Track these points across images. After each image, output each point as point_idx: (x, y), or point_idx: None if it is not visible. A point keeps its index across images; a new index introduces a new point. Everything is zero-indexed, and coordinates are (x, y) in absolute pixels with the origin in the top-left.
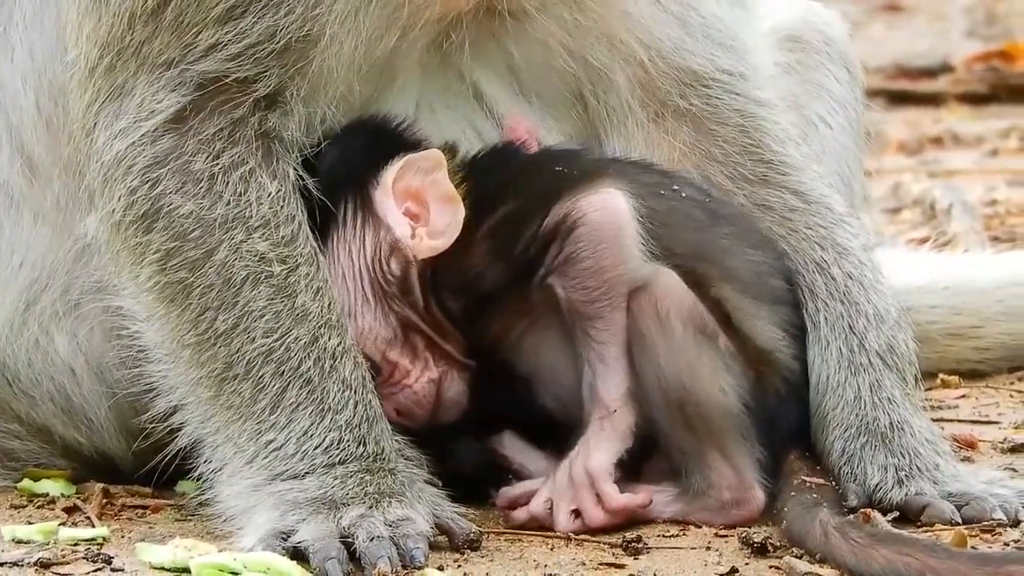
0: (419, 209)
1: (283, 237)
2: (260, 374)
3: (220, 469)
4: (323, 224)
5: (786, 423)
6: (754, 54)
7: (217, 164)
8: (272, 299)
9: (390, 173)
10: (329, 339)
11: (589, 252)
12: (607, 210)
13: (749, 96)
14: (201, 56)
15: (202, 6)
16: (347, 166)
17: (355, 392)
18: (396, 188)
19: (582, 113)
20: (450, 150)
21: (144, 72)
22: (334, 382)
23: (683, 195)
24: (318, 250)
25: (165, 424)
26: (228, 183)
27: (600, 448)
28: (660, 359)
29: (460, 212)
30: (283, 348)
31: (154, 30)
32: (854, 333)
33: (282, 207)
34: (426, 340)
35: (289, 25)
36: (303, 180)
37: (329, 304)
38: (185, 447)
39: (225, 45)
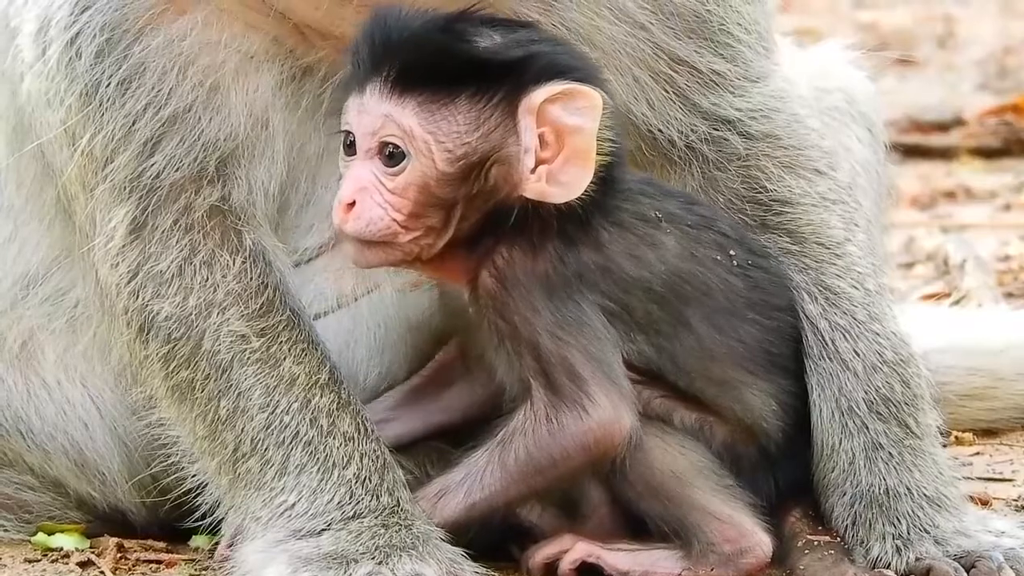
0: (552, 142)
1: (256, 310)
2: (264, 448)
3: (243, 538)
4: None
5: (767, 487)
6: (758, 85)
7: (179, 257)
8: (259, 374)
9: (544, 92)
10: (321, 399)
11: (564, 445)
12: (599, 440)
13: (747, 132)
14: (123, 174)
15: (92, 147)
16: (523, 61)
17: (359, 445)
18: (542, 109)
19: None
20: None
21: (95, 199)
22: (334, 438)
23: (735, 262)
24: (298, 309)
25: (179, 482)
26: (194, 272)
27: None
28: None
29: (588, 176)
30: (279, 420)
31: (81, 167)
32: (843, 394)
33: (250, 279)
34: (448, 241)
35: (176, 153)
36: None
37: (318, 364)
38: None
39: (128, 168)
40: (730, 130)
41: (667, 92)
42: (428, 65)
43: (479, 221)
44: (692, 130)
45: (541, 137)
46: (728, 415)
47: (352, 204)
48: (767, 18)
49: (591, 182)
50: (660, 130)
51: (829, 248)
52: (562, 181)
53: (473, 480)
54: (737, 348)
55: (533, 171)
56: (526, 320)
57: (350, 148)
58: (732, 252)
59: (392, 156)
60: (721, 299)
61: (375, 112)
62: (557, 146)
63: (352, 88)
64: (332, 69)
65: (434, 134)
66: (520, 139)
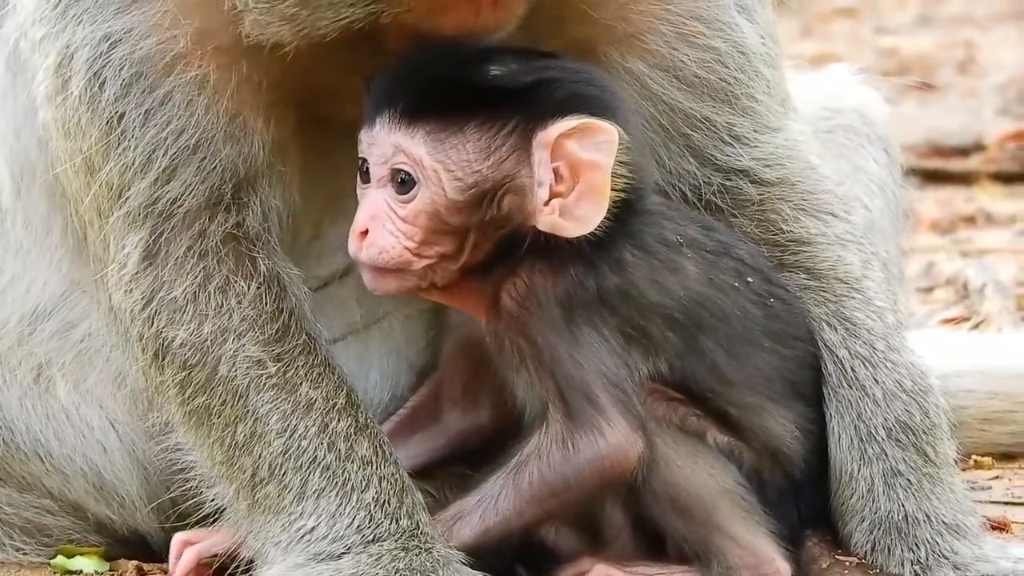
0: (567, 177)
1: (272, 335)
2: (282, 473)
3: (263, 563)
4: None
5: (791, 514)
6: (768, 137)
7: (194, 283)
8: (276, 400)
9: (560, 127)
10: (339, 423)
11: (579, 469)
12: (614, 464)
13: (761, 179)
14: (138, 201)
15: (111, 176)
16: (535, 90)
17: (377, 468)
18: (557, 143)
19: None
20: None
21: (109, 226)
22: (352, 462)
23: (752, 289)
24: (314, 333)
25: (198, 507)
26: (209, 299)
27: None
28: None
29: (602, 211)
30: (296, 444)
31: (97, 195)
32: (862, 420)
33: (265, 305)
34: (462, 268)
35: (190, 180)
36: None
37: (335, 388)
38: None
39: (144, 195)
40: (744, 179)
41: (681, 149)
42: (436, 93)
43: (493, 249)
44: (706, 182)
45: (556, 171)
46: (753, 439)
47: (366, 232)
48: (784, 78)
49: (612, 207)
50: (673, 185)
51: (847, 283)
52: (575, 216)
53: (488, 504)
54: (754, 376)
55: (547, 204)
56: (547, 342)
57: (365, 176)
58: (749, 280)
59: (403, 183)
60: (737, 326)
61: (386, 142)
62: (572, 181)
63: (366, 118)
64: (346, 124)
65: (443, 163)
66: (534, 171)
